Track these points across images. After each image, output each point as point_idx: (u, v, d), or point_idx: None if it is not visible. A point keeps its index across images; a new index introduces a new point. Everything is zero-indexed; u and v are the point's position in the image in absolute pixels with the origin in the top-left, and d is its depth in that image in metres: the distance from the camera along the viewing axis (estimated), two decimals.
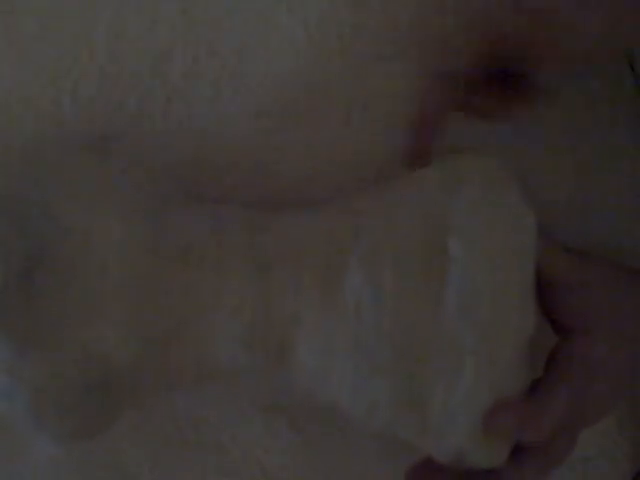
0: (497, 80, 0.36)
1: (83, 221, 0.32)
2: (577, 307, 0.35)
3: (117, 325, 0.32)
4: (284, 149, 0.41)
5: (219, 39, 0.40)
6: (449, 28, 0.40)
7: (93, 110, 0.40)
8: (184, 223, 0.34)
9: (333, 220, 0.35)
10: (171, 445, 0.42)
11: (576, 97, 0.41)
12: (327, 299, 0.33)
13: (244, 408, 0.41)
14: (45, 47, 0.40)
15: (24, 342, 0.31)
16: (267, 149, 0.41)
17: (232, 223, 0.35)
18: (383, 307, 0.32)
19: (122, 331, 0.32)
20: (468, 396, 0.32)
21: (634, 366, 0.36)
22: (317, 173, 0.41)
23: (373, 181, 0.40)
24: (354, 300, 0.33)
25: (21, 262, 0.31)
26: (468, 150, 0.36)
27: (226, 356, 0.34)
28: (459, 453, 0.34)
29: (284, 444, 0.42)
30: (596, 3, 0.33)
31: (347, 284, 0.33)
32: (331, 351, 0.33)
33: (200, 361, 0.34)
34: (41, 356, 0.31)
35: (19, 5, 0.40)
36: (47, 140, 0.40)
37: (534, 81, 0.37)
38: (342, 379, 0.34)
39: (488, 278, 0.32)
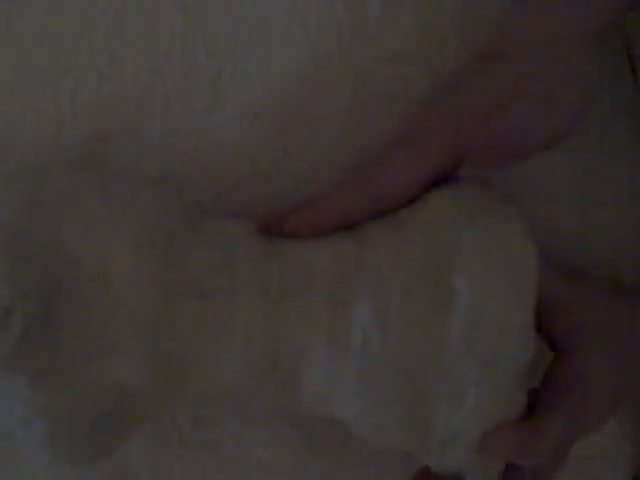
0: None
1: (96, 255, 0.33)
2: (573, 326, 0.36)
3: (131, 356, 0.32)
4: (284, 149, 0.41)
5: (218, 39, 0.40)
6: (448, 29, 0.40)
7: (93, 110, 0.40)
8: (196, 252, 0.35)
9: (339, 251, 0.35)
10: (171, 444, 0.42)
11: None
12: (334, 330, 0.34)
13: (244, 407, 0.41)
14: (45, 47, 0.40)
15: (41, 375, 0.32)
16: (267, 149, 0.41)
17: (243, 250, 0.35)
18: (390, 338, 0.33)
19: (136, 362, 0.33)
20: (469, 421, 0.34)
21: (626, 380, 0.37)
22: (317, 173, 0.41)
23: None
24: (361, 331, 0.34)
25: (38, 302, 0.32)
26: (466, 179, 0.36)
27: (237, 384, 0.35)
28: (459, 469, 0.36)
29: (284, 442, 0.42)
30: None
31: (354, 315, 0.34)
32: (337, 380, 0.34)
33: (212, 387, 0.35)
34: (57, 387, 0.32)
35: (19, 5, 0.40)
36: (47, 144, 0.40)
37: None
38: (348, 405, 0.35)
39: (491, 312, 0.33)
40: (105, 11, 0.40)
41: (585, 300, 0.37)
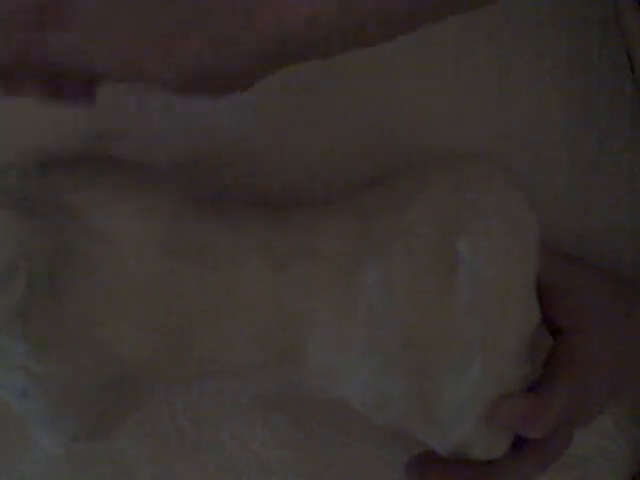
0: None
1: (103, 221, 0.33)
2: (574, 309, 0.36)
3: (134, 324, 0.32)
4: (284, 149, 0.41)
5: None
6: (449, 28, 0.40)
7: (93, 110, 0.40)
8: (199, 222, 0.35)
9: (344, 220, 0.35)
10: (170, 442, 0.42)
11: (576, 97, 0.41)
12: (340, 297, 0.34)
13: (243, 404, 0.42)
14: None
15: (43, 342, 0.31)
16: (267, 149, 0.41)
17: (246, 221, 0.35)
18: (395, 304, 0.33)
19: (139, 330, 0.32)
20: (475, 389, 0.33)
21: (623, 365, 0.37)
22: (317, 173, 0.41)
23: (373, 181, 0.40)
24: (367, 298, 0.33)
25: (43, 264, 0.31)
26: (469, 156, 0.37)
27: (240, 355, 0.34)
28: (462, 445, 0.35)
29: (283, 439, 0.42)
30: None
31: (360, 283, 0.34)
32: (343, 348, 0.34)
33: (215, 359, 0.34)
34: (59, 355, 0.31)
35: None
36: (46, 143, 0.40)
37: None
38: (353, 376, 0.34)
39: (495, 277, 0.33)
40: None
41: (586, 283, 0.37)
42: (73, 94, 0.31)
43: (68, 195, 0.33)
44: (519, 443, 0.36)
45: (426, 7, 0.29)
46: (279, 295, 0.34)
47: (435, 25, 0.40)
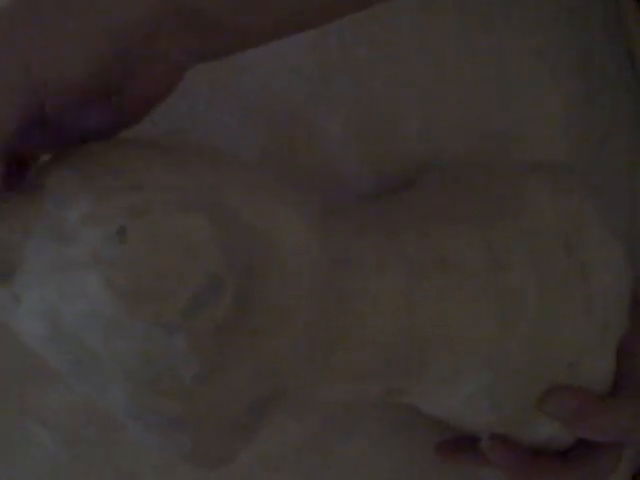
0: None
1: (269, 225, 0.29)
2: None
3: (294, 339, 0.29)
4: (284, 148, 0.41)
5: None
6: (450, 29, 0.40)
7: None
8: (342, 227, 0.33)
9: (464, 226, 0.35)
10: None
11: (577, 96, 0.41)
12: (477, 309, 0.34)
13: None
14: None
15: (213, 366, 0.27)
16: (267, 148, 0.41)
17: (367, 225, 0.35)
18: (527, 317, 0.34)
19: (298, 344, 0.29)
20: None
21: None
22: (318, 172, 0.41)
23: (373, 181, 0.40)
24: (502, 308, 0.34)
25: (240, 278, 0.27)
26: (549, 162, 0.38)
27: (369, 362, 0.33)
28: (548, 441, 0.36)
29: (287, 438, 0.42)
30: None
31: (491, 292, 0.34)
32: (468, 354, 0.34)
33: (353, 371, 0.33)
34: (224, 379, 0.28)
35: None
36: None
37: None
38: (474, 379, 0.34)
39: (612, 282, 0.35)
40: None
41: None
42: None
43: (228, 199, 0.29)
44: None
45: None
46: (413, 304, 0.33)
47: (434, 25, 0.40)
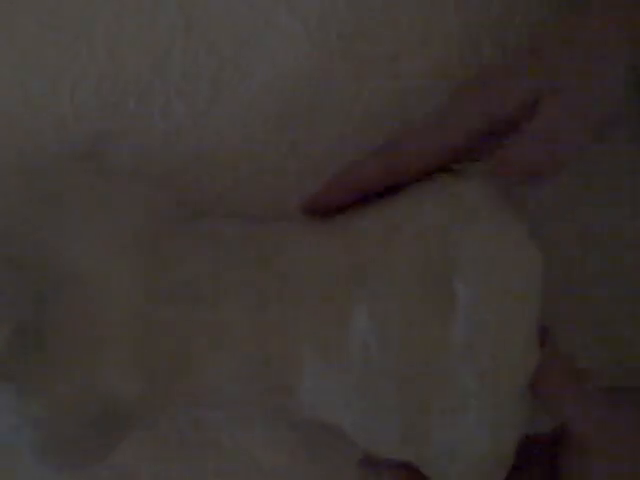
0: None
1: (84, 262, 0.32)
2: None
3: (120, 365, 0.32)
4: (285, 148, 0.41)
5: (219, 39, 0.40)
6: (451, 28, 0.40)
7: (92, 110, 0.40)
8: (183, 255, 0.34)
9: (333, 257, 0.34)
10: (170, 444, 0.42)
11: None
12: (330, 339, 0.33)
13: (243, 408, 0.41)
14: (45, 47, 0.40)
15: (27, 382, 0.31)
16: (268, 148, 0.41)
17: (232, 253, 0.34)
18: (389, 347, 0.32)
19: (125, 370, 0.32)
20: (469, 435, 0.32)
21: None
22: (318, 172, 0.41)
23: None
24: (359, 340, 0.32)
25: (29, 310, 0.32)
26: (465, 170, 0.35)
27: (227, 389, 0.34)
28: None
29: (283, 443, 0.42)
30: None
31: (351, 324, 0.32)
32: (333, 390, 0.33)
33: (203, 393, 0.34)
34: (45, 394, 0.32)
35: (19, 5, 0.40)
36: (46, 143, 0.40)
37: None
38: (344, 416, 0.34)
39: (492, 321, 0.31)
40: (105, 11, 0.40)
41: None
42: None
43: (48, 234, 0.33)
44: None
45: None
46: (263, 335, 0.33)
47: (436, 27, 0.40)
